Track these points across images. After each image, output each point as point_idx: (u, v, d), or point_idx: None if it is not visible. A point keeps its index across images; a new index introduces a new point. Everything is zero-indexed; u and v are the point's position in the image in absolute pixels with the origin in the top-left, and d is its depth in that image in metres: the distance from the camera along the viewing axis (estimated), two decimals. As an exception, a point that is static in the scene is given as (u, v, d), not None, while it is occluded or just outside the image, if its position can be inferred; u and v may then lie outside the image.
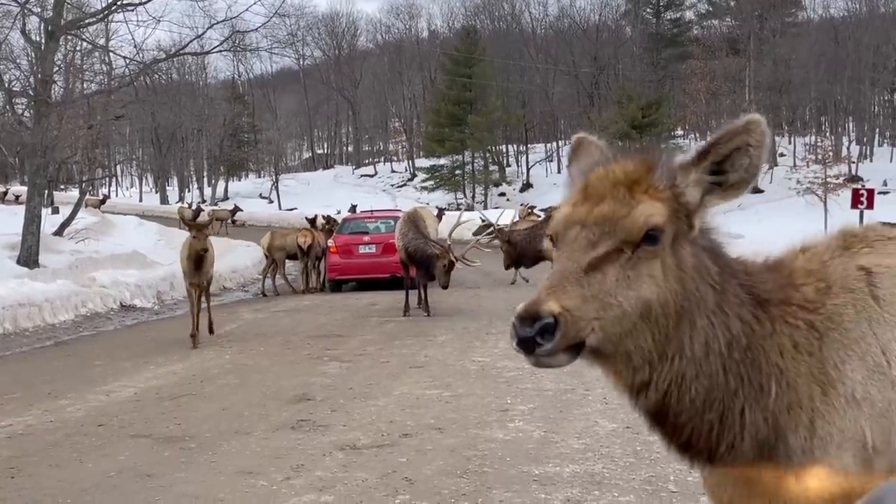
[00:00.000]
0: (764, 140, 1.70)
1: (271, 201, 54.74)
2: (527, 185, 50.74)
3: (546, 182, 48.62)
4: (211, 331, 10.71)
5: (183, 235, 15.44)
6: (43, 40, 17.33)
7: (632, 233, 1.65)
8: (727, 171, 1.73)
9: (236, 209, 39.04)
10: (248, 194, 57.39)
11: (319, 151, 73.93)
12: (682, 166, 1.75)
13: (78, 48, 22.45)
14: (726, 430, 1.73)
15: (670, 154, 1.79)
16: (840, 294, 1.80)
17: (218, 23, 21.14)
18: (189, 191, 63.49)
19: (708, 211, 1.75)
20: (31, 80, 18.60)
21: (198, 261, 9.86)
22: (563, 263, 1.66)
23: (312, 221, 18.99)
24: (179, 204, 48.04)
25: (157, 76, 22.23)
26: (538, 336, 1.55)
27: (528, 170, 52.74)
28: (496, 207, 35.24)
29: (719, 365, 1.73)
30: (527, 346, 1.56)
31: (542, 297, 1.60)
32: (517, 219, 19.10)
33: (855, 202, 18.75)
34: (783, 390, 1.73)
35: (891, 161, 41.31)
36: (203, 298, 10.43)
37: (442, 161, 50.24)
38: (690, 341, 1.71)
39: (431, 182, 49.96)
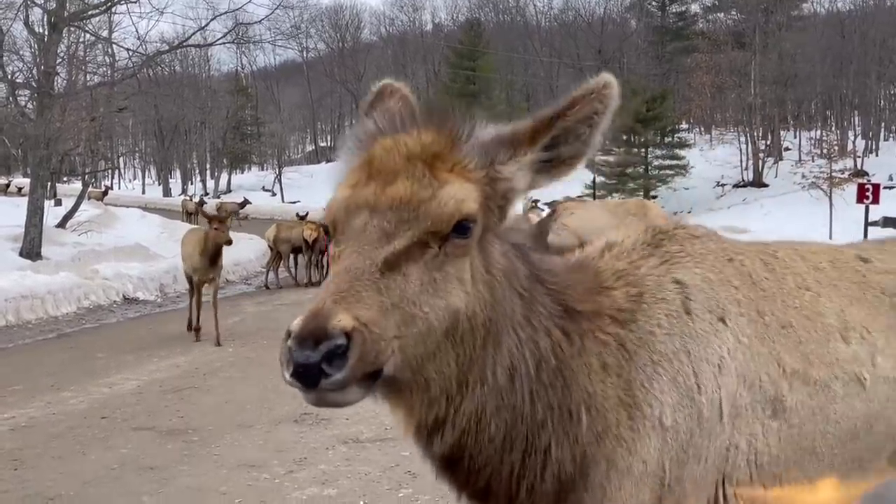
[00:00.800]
0: (612, 105, 1.36)
1: (274, 194, 54.69)
2: (531, 179, 50.72)
3: (550, 176, 48.48)
4: (218, 341, 9.55)
5: (186, 228, 15.44)
6: (46, 32, 17.30)
7: (440, 221, 1.28)
8: (559, 145, 1.37)
9: (245, 202, 35.94)
10: (251, 187, 57.31)
11: (323, 144, 73.73)
12: (505, 143, 1.38)
13: (81, 40, 22.43)
14: (528, 470, 1.44)
15: (478, 124, 1.42)
16: (652, 304, 1.53)
17: (221, 14, 21.17)
18: (192, 183, 63.49)
19: (524, 196, 1.40)
20: (35, 71, 18.58)
21: (214, 255, 9.78)
22: (352, 259, 1.24)
23: (303, 219, 18.72)
24: (182, 196, 48.04)
25: (159, 68, 22.25)
26: (325, 363, 1.12)
27: (531, 163, 52.73)
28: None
29: (526, 392, 1.40)
30: (308, 376, 1.12)
31: (327, 305, 1.16)
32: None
33: (860, 197, 18.67)
34: (593, 418, 1.44)
35: (896, 155, 41.12)
36: (204, 293, 10.20)
37: (445, 154, 50.27)
38: (494, 364, 1.36)
39: (434, 176, 49.96)
